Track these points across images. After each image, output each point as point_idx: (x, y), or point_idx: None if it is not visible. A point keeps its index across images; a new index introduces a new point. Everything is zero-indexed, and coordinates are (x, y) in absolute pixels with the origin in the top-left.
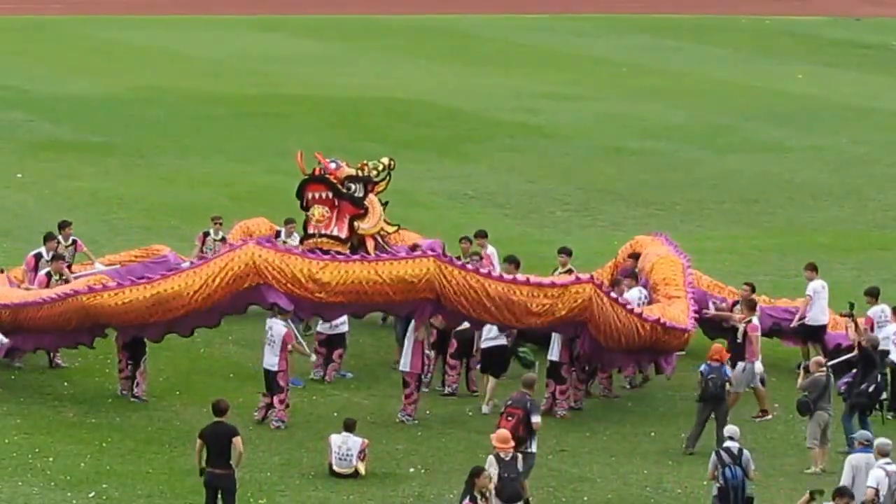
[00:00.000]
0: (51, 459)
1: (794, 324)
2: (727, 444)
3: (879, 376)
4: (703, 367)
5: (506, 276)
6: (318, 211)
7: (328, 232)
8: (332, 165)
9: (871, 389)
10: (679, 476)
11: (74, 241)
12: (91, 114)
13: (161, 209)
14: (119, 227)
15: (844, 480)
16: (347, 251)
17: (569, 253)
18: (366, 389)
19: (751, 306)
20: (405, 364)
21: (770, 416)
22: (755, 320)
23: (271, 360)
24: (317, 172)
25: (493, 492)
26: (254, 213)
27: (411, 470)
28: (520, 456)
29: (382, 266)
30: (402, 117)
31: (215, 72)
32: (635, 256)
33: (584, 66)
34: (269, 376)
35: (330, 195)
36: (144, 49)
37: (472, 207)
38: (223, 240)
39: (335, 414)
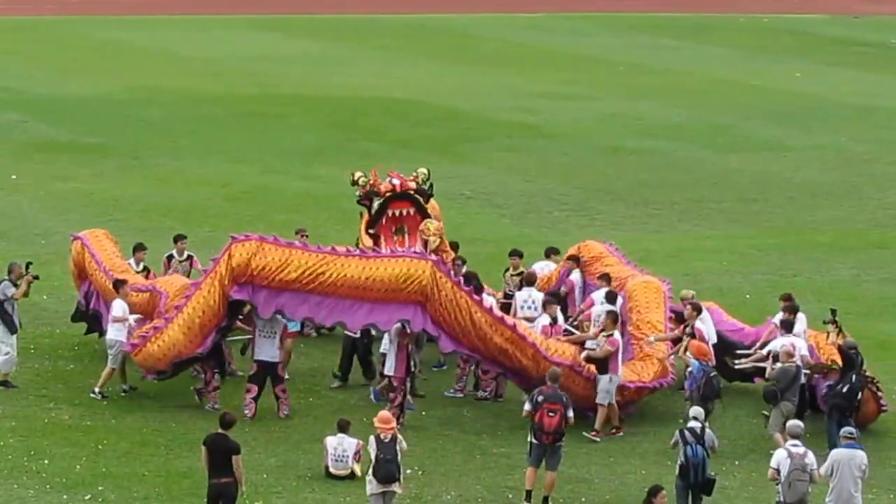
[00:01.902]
0: (46, 462)
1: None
2: (691, 423)
3: (854, 377)
4: (696, 368)
5: (496, 312)
6: (432, 225)
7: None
8: (396, 181)
9: (845, 390)
10: None
11: (190, 257)
12: (86, 115)
13: (157, 210)
14: (115, 229)
15: (824, 472)
16: None
17: (520, 255)
18: (362, 391)
19: (614, 319)
20: (390, 368)
21: (622, 433)
22: (616, 334)
23: (273, 353)
24: (398, 189)
25: (371, 471)
26: (250, 214)
27: (408, 471)
28: (399, 437)
29: (379, 263)
30: (400, 117)
31: (211, 72)
32: (574, 259)
33: (582, 66)
34: (270, 368)
35: (413, 211)
36: (140, 49)
37: (469, 207)
38: (189, 259)
39: (332, 415)
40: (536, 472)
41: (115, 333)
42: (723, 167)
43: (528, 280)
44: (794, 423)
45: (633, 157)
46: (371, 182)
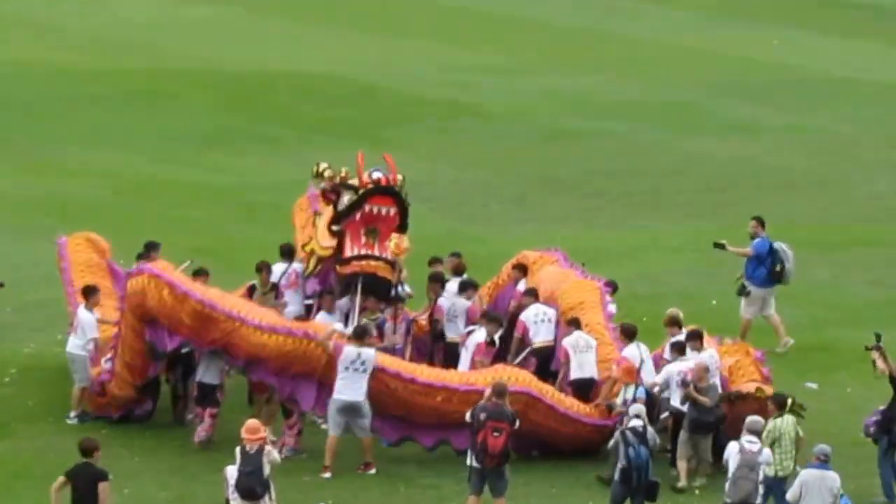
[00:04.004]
0: None
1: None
2: (633, 422)
3: None
4: (642, 393)
5: (421, 379)
6: (392, 243)
7: (376, 253)
8: (378, 174)
9: None
10: None
11: (275, 286)
12: None
13: (31, 206)
14: None
15: (790, 496)
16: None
17: (458, 255)
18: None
19: (358, 335)
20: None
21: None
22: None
23: (215, 376)
24: (383, 182)
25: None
26: (140, 209)
27: None
28: (267, 448)
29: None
30: (311, 96)
31: (91, 43)
32: (521, 268)
33: (523, 34)
34: (208, 390)
35: (392, 212)
36: (7, 18)
37: None
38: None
39: (232, 443)
40: (480, 500)
41: (76, 347)
42: (685, 152)
43: (456, 271)
44: (754, 419)
45: (582, 141)
46: (342, 175)
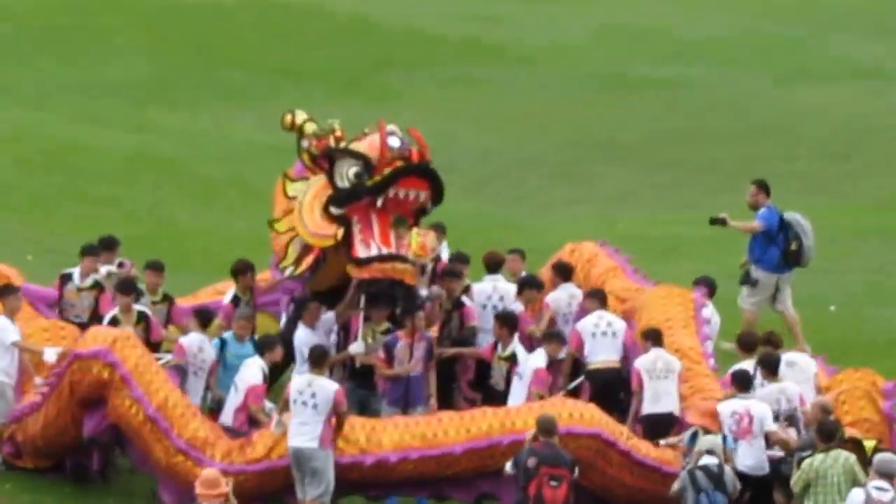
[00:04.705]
0: None
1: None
2: (704, 459)
3: None
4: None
5: (444, 445)
6: (415, 241)
7: (403, 253)
8: (396, 140)
9: None
10: None
11: (167, 298)
12: None
13: None
14: None
15: None
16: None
17: (520, 254)
18: None
19: (314, 360)
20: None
21: None
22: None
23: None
24: (414, 156)
25: None
26: (54, 185)
27: None
28: None
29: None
30: (286, 33)
31: None
32: (561, 269)
33: None
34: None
35: (423, 196)
36: None
37: None
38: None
39: None
40: None
41: None
42: (791, 107)
43: (491, 264)
44: (886, 458)
45: (650, 93)
46: (335, 133)
